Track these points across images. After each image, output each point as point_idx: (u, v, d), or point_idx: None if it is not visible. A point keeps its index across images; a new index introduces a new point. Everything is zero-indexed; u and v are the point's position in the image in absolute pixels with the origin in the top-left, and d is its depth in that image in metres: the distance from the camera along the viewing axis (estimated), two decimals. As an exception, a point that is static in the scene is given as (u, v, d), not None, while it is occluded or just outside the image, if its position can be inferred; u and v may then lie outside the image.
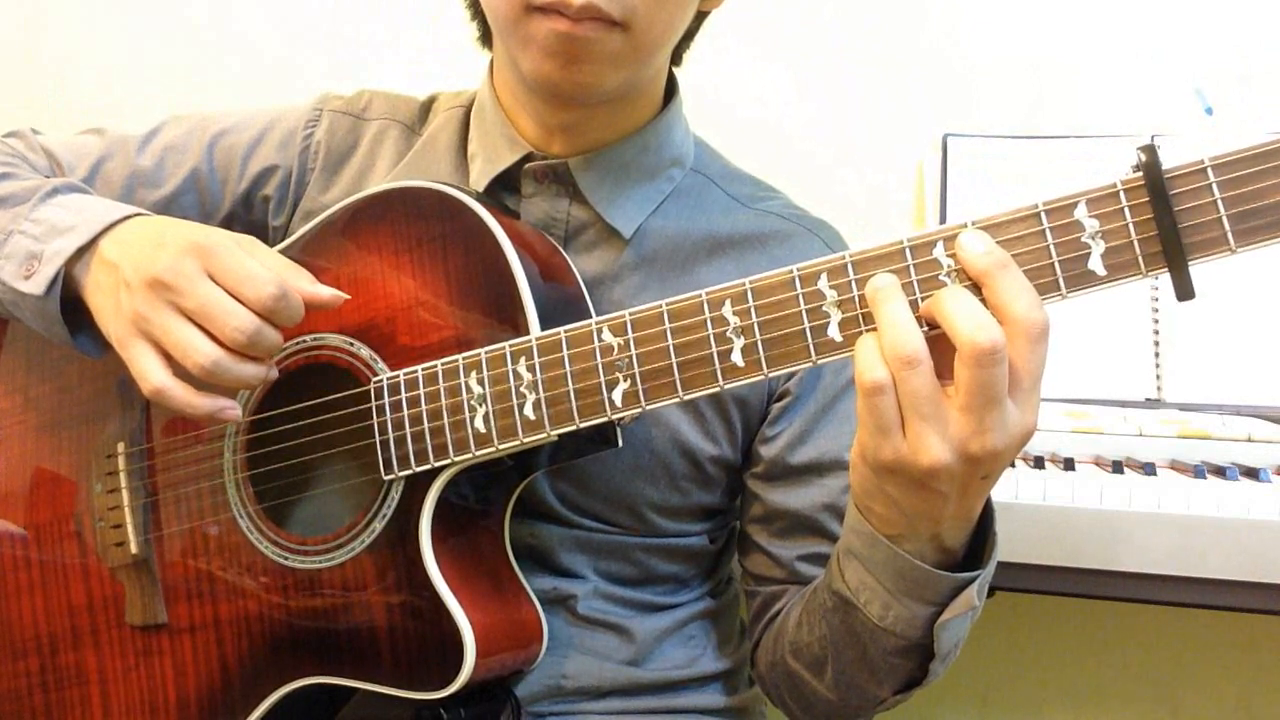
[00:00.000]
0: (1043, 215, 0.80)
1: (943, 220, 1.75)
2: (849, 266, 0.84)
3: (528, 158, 1.17)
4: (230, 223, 1.27)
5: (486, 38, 1.23)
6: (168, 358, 0.99)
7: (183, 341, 0.97)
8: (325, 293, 1.00)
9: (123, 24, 2.19)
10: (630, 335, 0.92)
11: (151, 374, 0.99)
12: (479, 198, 1.08)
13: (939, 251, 0.82)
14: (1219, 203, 0.76)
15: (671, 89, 1.23)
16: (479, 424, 0.98)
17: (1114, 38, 1.82)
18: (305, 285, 1.00)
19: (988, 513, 0.93)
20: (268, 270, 0.97)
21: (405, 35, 2.08)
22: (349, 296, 1.04)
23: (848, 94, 1.92)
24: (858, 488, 0.91)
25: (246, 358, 0.98)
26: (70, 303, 1.07)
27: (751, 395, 1.17)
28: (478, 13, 1.20)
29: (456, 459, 1.00)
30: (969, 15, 1.88)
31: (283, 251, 1.15)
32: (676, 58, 1.23)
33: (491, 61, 1.24)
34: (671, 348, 0.90)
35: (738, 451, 1.20)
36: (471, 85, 1.28)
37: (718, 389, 0.89)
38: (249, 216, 1.28)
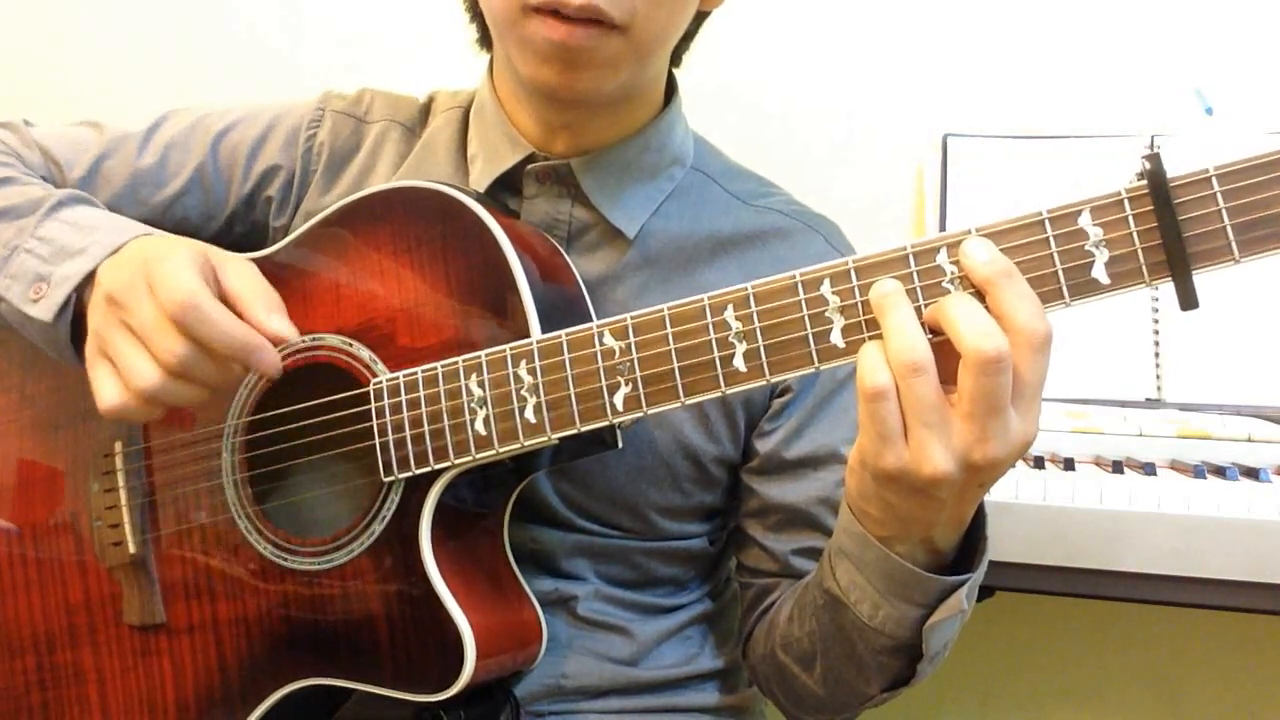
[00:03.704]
0: (1046, 223, 0.80)
1: (943, 220, 1.75)
2: (852, 272, 0.84)
3: (529, 159, 1.17)
4: (232, 223, 1.27)
5: (485, 39, 1.22)
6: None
7: (126, 364, 0.97)
8: (275, 328, 0.97)
9: (122, 20, 2.19)
10: (632, 339, 0.92)
11: (104, 393, 0.99)
12: (479, 198, 1.08)
13: (942, 258, 0.82)
14: (1223, 212, 0.76)
15: (671, 89, 1.23)
16: (479, 426, 0.98)
17: (1114, 38, 1.82)
18: (260, 314, 0.97)
19: (979, 516, 0.93)
20: (189, 284, 0.95)
21: (405, 35, 2.08)
22: (299, 340, 1.03)
23: (848, 94, 1.92)
24: (854, 490, 0.91)
25: (188, 381, 0.97)
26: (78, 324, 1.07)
27: (756, 393, 1.17)
28: (477, 14, 1.20)
29: (456, 461, 1.00)
30: (969, 15, 1.87)
31: (279, 251, 1.16)
32: (676, 59, 1.23)
33: (491, 61, 1.24)
34: (673, 352, 0.90)
35: (740, 450, 1.20)
36: (470, 85, 1.28)
37: (719, 393, 0.89)
38: (250, 216, 1.27)
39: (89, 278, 1.04)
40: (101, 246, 1.05)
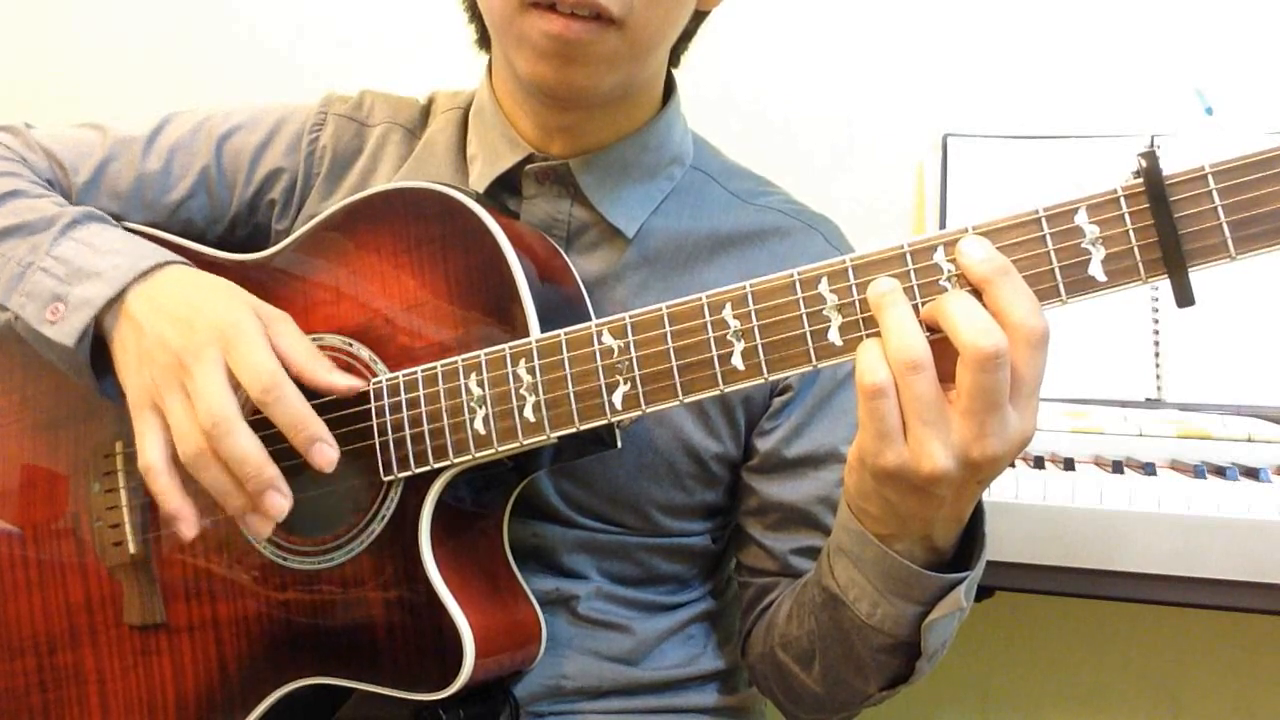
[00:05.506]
0: (1043, 221, 0.80)
1: (943, 220, 1.75)
2: (849, 271, 0.84)
3: (528, 159, 1.17)
4: (235, 225, 1.27)
5: (485, 39, 1.23)
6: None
7: (179, 425, 0.99)
8: (340, 383, 1.02)
9: (122, 20, 2.19)
10: (630, 338, 0.92)
11: (148, 450, 1.01)
12: (478, 198, 1.08)
13: (939, 256, 0.82)
14: (1219, 209, 0.76)
15: (670, 88, 1.23)
16: (478, 426, 0.98)
17: (1114, 38, 1.82)
18: (322, 375, 1.01)
19: (978, 514, 0.93)
20: (271, 365, 0.98)
21: (405, 35, 2.08)
22: (365, 388, 1.04)
23: (848, 94, 1.92)
24: (854, 489, 0.91)
25: (226, 471, 0.98)
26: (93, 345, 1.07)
27: (756, 392, 1.17)
28: (476, 14, 1.20)
29: (456, 461, 1.00)
30: (969, 16, 1.88)
31: (282, 251, 1.16)
32: (675, 59, 1.23)
33: (490, 62, 1.24)
34: (671, 350, 0.90)
35: (740, 448, 1.20)
36: (470, 86, 1.28)
37: (718, 391, 0.89)
38: (253, 219, 1.27)
39: (111, 304, 1.05)
40: (120, 270, 1.06)
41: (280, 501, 0.98)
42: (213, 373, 0.98)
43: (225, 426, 0.96)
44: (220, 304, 1.03)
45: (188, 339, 0.99)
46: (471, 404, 0.99)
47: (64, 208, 1.14)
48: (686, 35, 1.20)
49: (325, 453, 0.98)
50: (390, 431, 1.03)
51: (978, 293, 0.80)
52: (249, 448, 0.97)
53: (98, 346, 1.08)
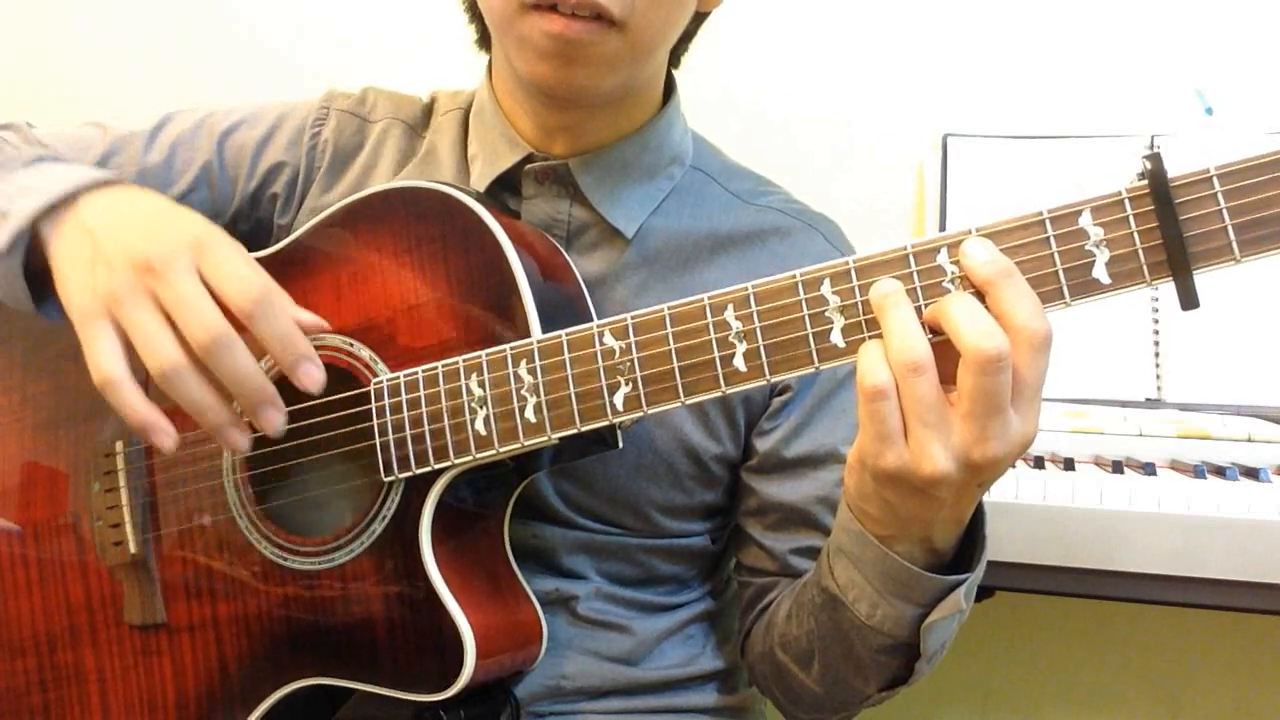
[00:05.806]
0: (1047, 223, 0.80)
1: (943, 220, 1.75)
2: (852, 272, 0.84)
3: (528, 159, 1.17)
4: (237, 220, 1.27)
5: (485, 39, 1.23)
6: (129, 350, 0.95)
7: (151, 336, 0.93)
8: (305, 317, 0.98)
9: (122, 20, 2.19)
10: (632, 339, 0.92)
11: (105, 360, 0.94)
12: (479, 198, 1.07)
13: (942, 258, 0.82)
14: (1224, 212, 0.76)
15: (670, 88, 1.23)
16: (479, 426, 0.98)
17: (1114, 38, 1.82)
18: (288, 305, 0.97)
19: (978, 516, 0.93)
20: (258, 275, 0.95)
21: (405, 35, 2.08)
22: (328, 326, 1.03)
23: (848, 94, 1.92)
24: (854, 490, 0.91)
25: (206, 381, 0.94)
26: (40, 270, 1.04)
27: (755, 392, 1.17)
28: (476, 14, 1.20)
29: (457, 461, 0.99)
30: (969, 16, 1.88)
31: (280, 250, 1.15)
32: (675, 60, 1.23)
33: (490, 62, 1.24)
34: (673, 351, 0.90)
35: (740, 448, 1.20)
36: (470, 86, 1.28)
37: (720, 393, 0.89)
38: (255, 213, 1.27)
39: (51, 210, 1.02)
40: (68, 182, 1.03)
41: (279, 417, 0.96)
42: (193, 281, 0.93)
43: (226, 340, 0.92)
44: (187, 216, 1.00)
45: (156, 245, 0.95)
46: (472, 404, 0.98)
47: (35, 149, 1.12)
48: (687, 36, 1.20)
49: (313, 373, 0.95)
50: (391, 432, 1.02)
51: (981, 295, 0.80)
52: (250, 363, 0.94)
53: (46, 276, 1.03)
